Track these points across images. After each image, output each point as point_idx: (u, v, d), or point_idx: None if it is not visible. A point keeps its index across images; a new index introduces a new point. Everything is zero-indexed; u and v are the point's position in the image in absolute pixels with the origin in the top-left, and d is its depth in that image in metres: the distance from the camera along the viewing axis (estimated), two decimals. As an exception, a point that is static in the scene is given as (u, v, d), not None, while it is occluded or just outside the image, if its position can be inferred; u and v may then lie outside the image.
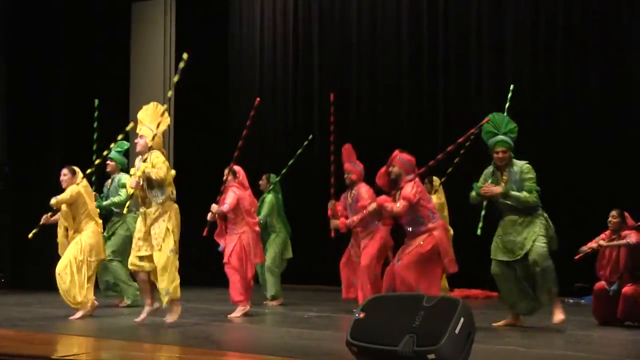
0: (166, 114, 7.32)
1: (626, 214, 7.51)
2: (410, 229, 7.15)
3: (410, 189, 7.02)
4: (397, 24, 12.00)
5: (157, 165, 6.89)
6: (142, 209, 7.09)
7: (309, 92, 12.88)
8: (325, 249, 12.11)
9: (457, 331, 4.14)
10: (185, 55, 7.14)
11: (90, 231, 7.84)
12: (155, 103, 7.37)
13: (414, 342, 4.11)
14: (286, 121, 13.17)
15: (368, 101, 12.31)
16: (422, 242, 7.00)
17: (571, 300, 9.59)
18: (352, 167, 8.36)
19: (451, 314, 4.19)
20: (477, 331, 4.41)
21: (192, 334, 6.70)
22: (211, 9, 13.38)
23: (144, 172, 6.87)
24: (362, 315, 4.41)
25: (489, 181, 6.95)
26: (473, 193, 7.03)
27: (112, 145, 8.66)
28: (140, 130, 7.18)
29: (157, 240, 6.93)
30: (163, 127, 7.26)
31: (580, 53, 10.45)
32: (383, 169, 7.37)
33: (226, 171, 8.05)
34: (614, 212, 7.45)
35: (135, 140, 7.18)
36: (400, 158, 7.21)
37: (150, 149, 7.06)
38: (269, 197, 9.48)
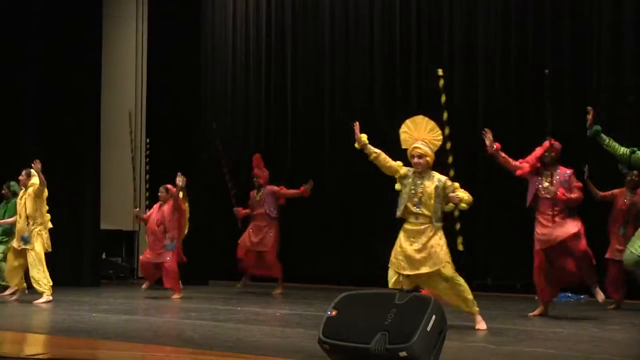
0: (437, 129, 6.78)
1: None
2: (567, 213, 7.54)
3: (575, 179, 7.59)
4: (369, 23, 12.03)
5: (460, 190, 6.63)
6: (408, 226, 6.66)
7: (282, 91, 12.87)
8: (296, 246, 12.20)
9: (428, 329, 4.15)
10: (440, 72, 7.02)
11: (44, 225, 9.31)
12: (423, 117, 6.81)
13: (385, 339, 4.11)
14: (259, 121, 13.16)
15: (341, 101, 12.32)
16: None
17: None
18: (260, 172, 10.56)
19: (423, 311, 4.20)
20: (448, 329, 4.43)
21: (163, 332, 6.67)
22: (183, 5, 13.31)
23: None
24: (334, 313, 4.41)
25: None
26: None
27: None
28: (416, 149, 6.64)
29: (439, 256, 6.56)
30: (437, 143, 6.77)
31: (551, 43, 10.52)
32: (531, 156, 7.68)
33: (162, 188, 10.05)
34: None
35: (415, 160, 6.63)
36: (557, 146, 7.63)
37: (429, 168, 6.68)
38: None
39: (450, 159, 7.07)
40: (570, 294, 9.62)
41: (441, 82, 7.08)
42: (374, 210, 11.76)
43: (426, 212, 6.60)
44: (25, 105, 11.96)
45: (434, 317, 4.20)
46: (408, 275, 6.58)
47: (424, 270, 6.53)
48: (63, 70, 12.01)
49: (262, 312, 8.18)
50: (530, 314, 7.86)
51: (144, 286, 10.20)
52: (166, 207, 10.02)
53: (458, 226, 7.00)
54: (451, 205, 6.65)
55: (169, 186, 10.11)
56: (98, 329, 6.77)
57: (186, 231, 10.34)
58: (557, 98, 10.31)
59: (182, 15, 13.13)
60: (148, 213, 10.33)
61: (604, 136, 7.14)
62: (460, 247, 6.99)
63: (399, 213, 6.73)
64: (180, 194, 9.90)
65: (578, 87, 10.25)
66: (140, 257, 10.62)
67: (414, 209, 6.64)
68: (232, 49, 13.47)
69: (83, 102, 12.21)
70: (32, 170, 9.32)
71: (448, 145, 7.07)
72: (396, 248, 6.71)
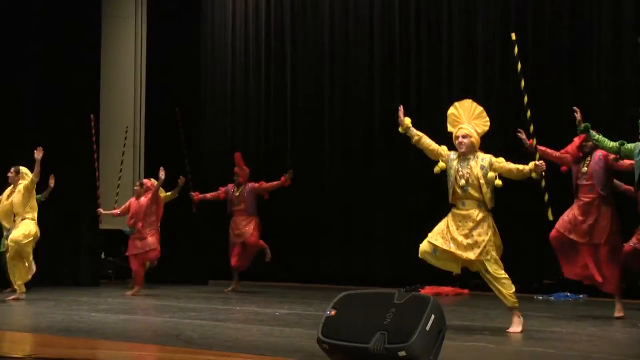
0: (484, 114, 6.72)
1: None
2: (603, 200, 7.55)
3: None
4: (369, 23, 12.03)
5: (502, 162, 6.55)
6: (456, 211, 6.55)
7: (282, 91, 12.87)
8: (296, 246, 12.21)
9: (427, 328, 4.15)
10: (513, 36, 6.91)
11: (33, 220, 9.42)
12: (470, 101, 6.76)
13: (385, 339, 4.11)
14: (258, 121, 13.15)
15: (341, 100, 12.32)
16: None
17: (540, 297, 9.67)
18: (240, 170, 10.91)
19: (422, 311, 4.19)
20: (447, 328, 4.43)
21: (163, 332, 6.67)
22: (182, 4, 13.28)
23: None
24: (333, 312, 4.41)
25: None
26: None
27: None
28: (461, 129, 6.59)
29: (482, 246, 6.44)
30: (485, 128, 6.69)
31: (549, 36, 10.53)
32: (572, 146, 7.75)
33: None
34: None
35: (459, 140, 6.56)
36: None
37: (474, 150, 6.59)
38: None
39: (531, 128, 7.03)
40: (569, 294, 9.62)
41: (515, 48, 7.00)
42: (374, 210, 11.77)
43: (474, 193, 6.50)
44: (25, 105, 11.95)
45: (433, 316, 4.20)
46: (447, 251, 6.50)
47: (470, 256, 6.42)
48: (63, 70, 12.01)
49: (261, 312, 8.18)
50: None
51: (131, 292, 10.43)
52: (143, 200, 10.55)
53: (546, 197, 6.92)
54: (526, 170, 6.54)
55: (145, 180, 10.82)
56: (97, 328, 6.77)
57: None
58: (557, 98, 10.35)
59: (182, 15, 13.12)
60: (122, 207, 10.91)
61: (593, 132, 7.31)
62: (551, 217, 6.93)
63: (450, 199, 6.65)
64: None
65: (578, 87, 10.24)
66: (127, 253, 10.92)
67: (461, 192, 6.54)
68: (232, 48, 13.46)
69: (83, 102, 12.21)
70: (21, 168, 9.49)
71: (528, 114, 7.03)
72: (442, 226, 6.60)
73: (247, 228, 10.80)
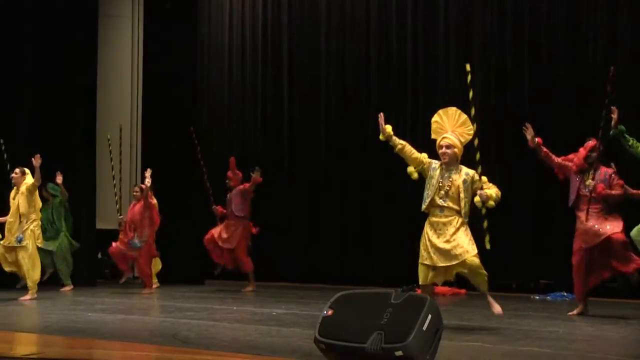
0: (468, 123, 6.70)
1: None
2: (607, 211, 7.48)
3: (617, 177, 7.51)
4: (366, 23, 12.02)
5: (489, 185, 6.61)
6: (434, 219, 6.57)
7: (279, 91, 12.85)
8: (293, 246, 12.21)
9: (424, 328, 4.15)
10: (468, 67, 6.95)
11: (37, 221, 9.58)
12: (456, 109, 6.73)
13: (381, 339, 4.11)
14: (255, 121, 13.14)
15: (338, 101, 12.32)
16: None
17: (537, 297, 9.68)
18: (233, 175, 10.96)
19: (419, 311, 4.20)
20: (444, 328, 4.43)
21: (160, 332, 6.66)
22: (180, 4, 13.27)
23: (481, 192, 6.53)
24: (330, 312, 4.41)
25: None
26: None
27: None
28: (445, 139, 6.59)
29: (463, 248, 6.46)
30: (468, 137, 6.69)
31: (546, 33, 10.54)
32: (574, 155, 7.65)
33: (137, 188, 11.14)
34: None
35: (442, 151, 6.58)
36: (600, 147, 7.55)
37: (457, 160, 6.60)
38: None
39: (477, 156, 6.99)
40: (565, 293, 9.63)
41: (469, 77, 6.99)
42: (371, 210, 11.77)
43: (453, 205, 6.52)
44: (20, 104, 11.93)
45: (429, 316, 4.20)
46: (437, 267, 6.53)
47: (455, 262, 6.46)
48: (58, 70, 11.98)
49: (258, 312, 8.18)
50: (570, 313, 7.71)
51: (123, 279, 11.16)
52: (137, 206, 10.87)
53: (485, 224, 6.89)
54: (477, 199, 6.57)
55: (143, 186, 10.86)
56: (94, 328, 6.77)
57: (157, 226, 11.10)
58: (554, 98, 10.36)
59: (179, 14, 13.11)
60: (128, 216, 11.11)
61: (628, 137, 7.07)
62: (488, 246, 6.91)
63: (424, 207, 6.64)
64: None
65: (577, 86, 10.25)
66: (110, 248, 11.24)
67: (440, 202, 6.54)
68: (229, 48, 13.45)
69: (79, 101, 12.19)
70: (26, 169, 9.56)
71: (476, 141, 6.99)
72: (424, 242, 6.62)
73: (234, 236, 10.83)
